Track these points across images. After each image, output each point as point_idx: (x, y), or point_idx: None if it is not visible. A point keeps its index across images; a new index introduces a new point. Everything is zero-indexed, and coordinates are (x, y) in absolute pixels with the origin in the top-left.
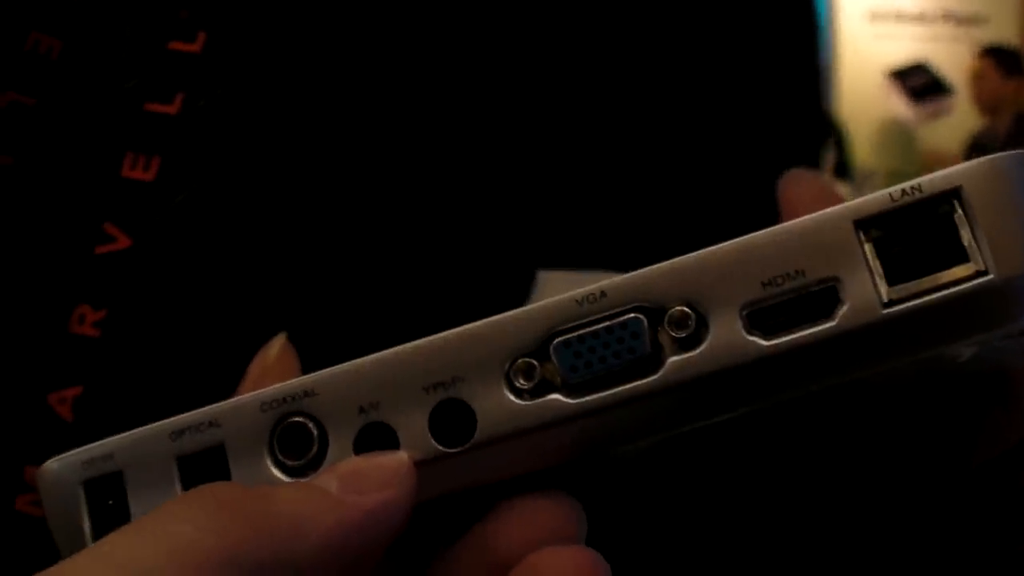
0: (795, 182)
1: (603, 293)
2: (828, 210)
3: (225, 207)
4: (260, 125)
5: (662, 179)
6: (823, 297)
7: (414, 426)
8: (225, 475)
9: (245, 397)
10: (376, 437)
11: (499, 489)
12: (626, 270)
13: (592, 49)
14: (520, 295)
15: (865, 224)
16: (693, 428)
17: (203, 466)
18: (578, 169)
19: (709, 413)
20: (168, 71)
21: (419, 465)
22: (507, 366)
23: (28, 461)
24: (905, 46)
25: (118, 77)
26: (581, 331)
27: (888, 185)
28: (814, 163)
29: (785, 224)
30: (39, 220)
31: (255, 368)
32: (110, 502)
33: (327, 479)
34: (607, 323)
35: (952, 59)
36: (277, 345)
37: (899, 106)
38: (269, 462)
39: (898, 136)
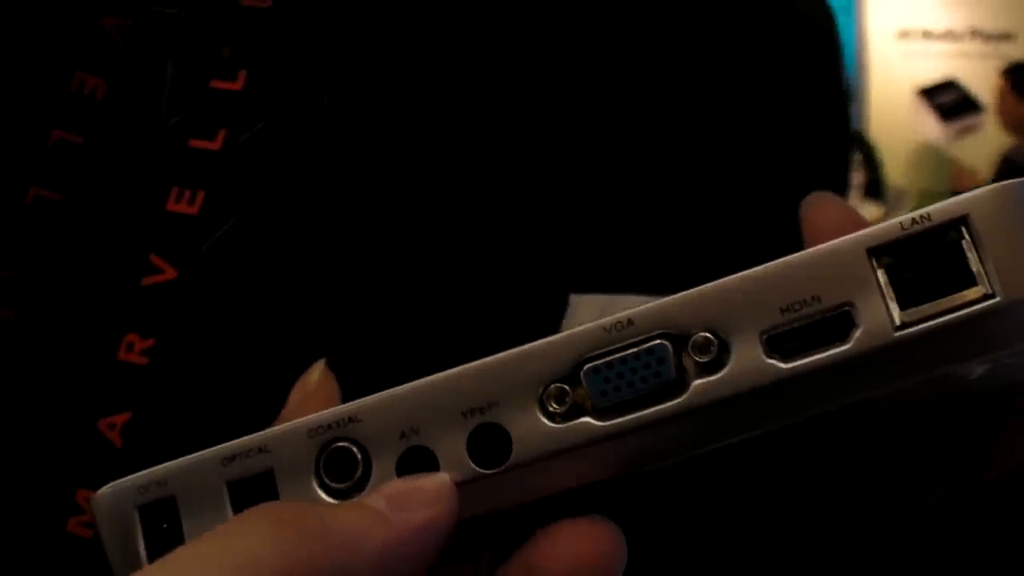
0: (818, 205)
1: (630, 321)
2: (842, 239)
3: (267, 239)
4: (300, 158)
5: (691, 201)
6: (838, 321)
7: (453, 449)
8: (274, 499)
9: (292, 424)
10: (417, 460)
11: (535, 510)
12: (658, 292)
13: (620, 70)
14: (554, 319)
15: (878, 251)
16: (716, 447)
17: (253, 490)
18: (608, 192)
19: (731, 433)
20: (210, 108)
21: (459, 486)
22: (540, 391)
23: (79, 484)
24: (934, 64)
25: (161, 115)
26: (609, 357)
27: (920, 205)
28: (843, 183)
29: (801, 253)
30: (88, 253)
31: (296, 394)
32: (164, 526)
33: (375, 499)
34: (634, 349)
35: (981, 76)
36: (317, 372)
37: (929, 124)
38: (316, 485)
39: (929, 155)
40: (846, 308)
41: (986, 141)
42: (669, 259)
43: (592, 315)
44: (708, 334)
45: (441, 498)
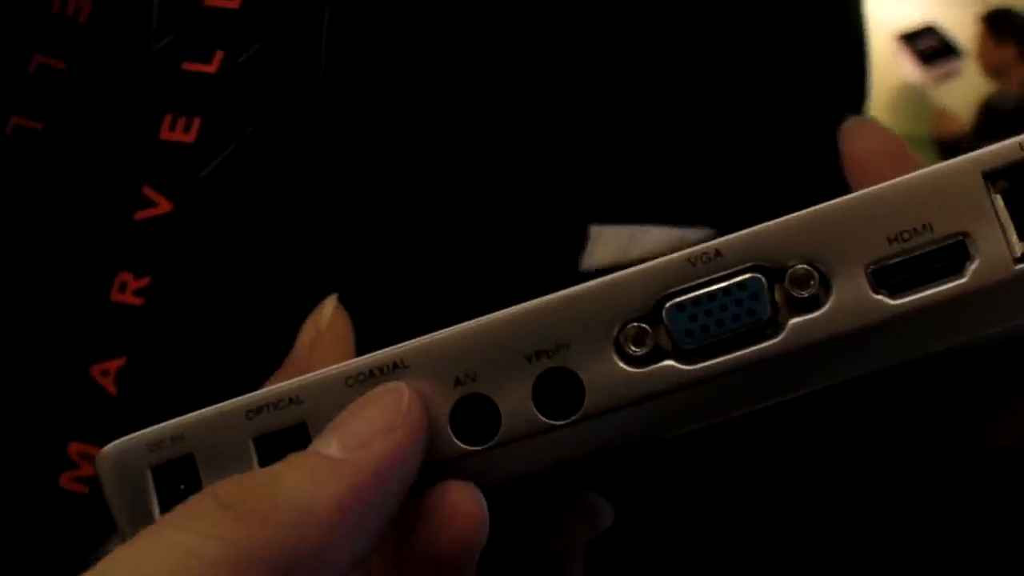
0: (860, 133)
1: (718, 252)
2: (956, 160)
3: (268, 167)
4: (301, 80)
5: (711, 129)
6: (952, 253)
7: (516, 398)
8: None
9: (328, 371)
10: (474, 410)
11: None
12: (680, 223)
13: (630, 25)
14: (572, 251)
15: (994, 175)
16: (808, 395)
17: (283, 446)
18: (627, 121)
19: (826, 378)
20: (205, 29)
21: (522, 439)
22: (616, 331)
23: (71, 437)
24: (914, 9)
25: (150, 37)
26: (695, 292)
27: None
28: (860, 111)
29: (910, 176)
30: (75, 187)
31: (306, 333)
32: (182, 487)
33: (325, 442)
34: (723, 284)
35: (961, 22)
36: (329, 308)
37: (909, 69)
38: None
39: (909, 99)
40: (960, 238)
41: (967, 86)
42: (690, 189)
43: (614, 247)
44: (807, 266)
45: (402, 417)
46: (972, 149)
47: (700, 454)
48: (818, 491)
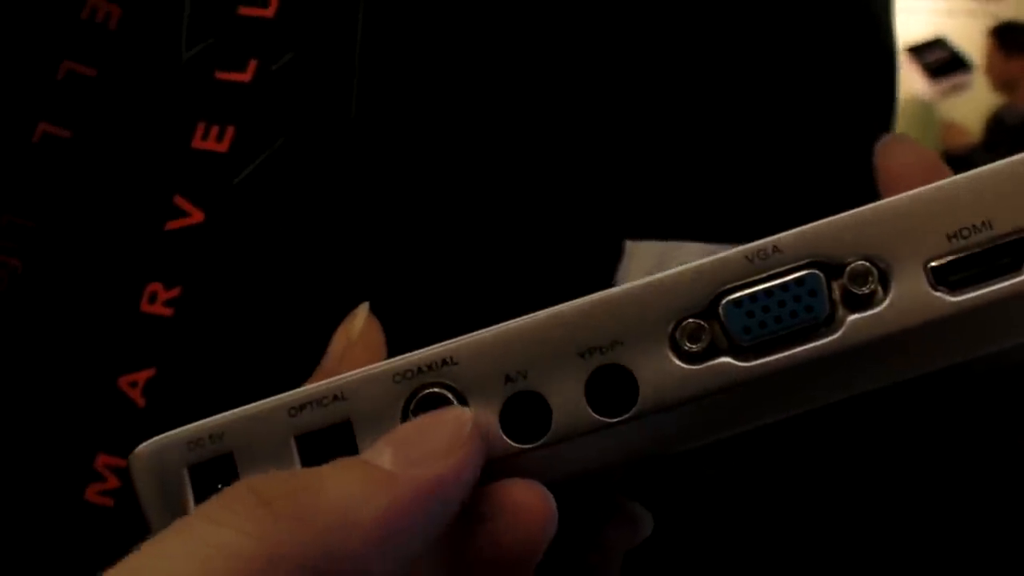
0: (896, 151)
1: (776, 248)
2: (1015, 158)
3: (300, 176)
4: (335, 90)
5: (746, 146)
6: (1012, 249)
7: (568, 395)
8: (352, 454)
9: (373, 368)
10: (525, 408)
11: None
12: (714, 239)
13: (675, 12)
14: (608, 266)
15: None
16: (863, 394)
17: (327, 444)
18: (663, 138)
19: (881, 377)
20: (239, 37)
21: (574, 437)
22: (672, 327)
23: (99, 449)
24: (923, 21)
25: (181, 45)
26: (753, 289)
27: None
28: (889, 128)
29: (969, 174)
30: (105, 195)
31: (338, 342)
32: (220, 486)
33: (379, 451)
34: (781, 280)
35: (970, 35)
36: (361, 317)
37: (917, 82)
38: None
39: (917, 112)
40: (1020, 235)
41: (975, 99)
42: (724, 204)
43: (649, 263)
44: (866, 263)
45: (460, 441)
46: (984, 161)
47: (736, 458)
48: (852, 498)
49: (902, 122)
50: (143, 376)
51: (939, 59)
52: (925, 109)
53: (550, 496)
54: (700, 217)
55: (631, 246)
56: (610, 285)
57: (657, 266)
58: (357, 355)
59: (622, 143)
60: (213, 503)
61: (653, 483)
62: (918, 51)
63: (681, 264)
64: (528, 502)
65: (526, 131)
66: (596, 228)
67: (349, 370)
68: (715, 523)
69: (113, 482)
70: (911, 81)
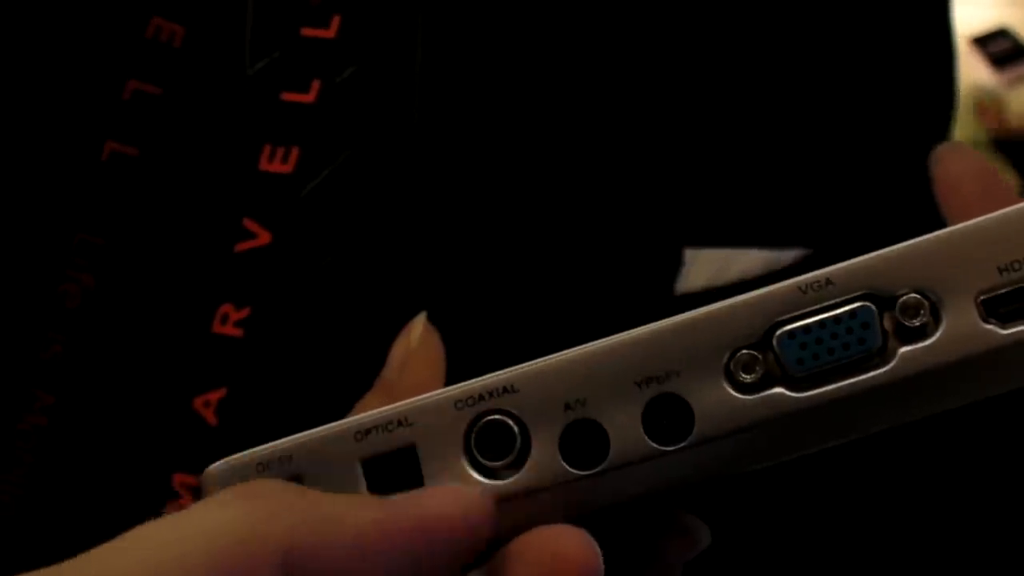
0: (952, 158)
1: (829, 280)
2: None
3: (364, 192)
4: (397, 105)
5: (804, 153)
6: None
7: (626, 423)
8: (416, 478)
9: (436, 394)
10: (584, 435)
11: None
12: (773, 246)
13: (731, 18)
14: (668, 274)
15: None
16: (914, 423)
17: (392, 468)
18: (722, 145)
19: (931, 407)
20: (302, 58)
21: (631, 465)
22: (727, 358)
23: (175, 468)
24: (985, 12)
25: (245, 63)
26: (807, 320)
27: None
28: (946, 134)
29: (1016, 207)
30: (174, 215)
31: (397, 352)
32: None
33: (398, 496)
34: (835, 312)
35: None
36: (419, 327)
37: (982, 73)
38: (465, 463)
39: (982, 99)
40: None
41: None
42: (783, 210)
43: (708, 270)
44: (918, 295)
45: (466, 503)
46: None
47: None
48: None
49: (971, 114)
50: (215, 396)
51: (1003, 49)
52: (992, 100)
53: (594, 545)
54: (760, 223)
55: (691, 254)
56: (670, 293)
57: (717, 273)
58: (416, 365)
59: (681, 150)
60: (208, 498)
61: (708, 495)
62: (982, 41)
63: (741, 272)
64: (569, 553)
65: (587, 140)
66: (656, 236)
67: (409, 380)
68: (768, 532)
69: (190, 501)
70: (975, 71)
